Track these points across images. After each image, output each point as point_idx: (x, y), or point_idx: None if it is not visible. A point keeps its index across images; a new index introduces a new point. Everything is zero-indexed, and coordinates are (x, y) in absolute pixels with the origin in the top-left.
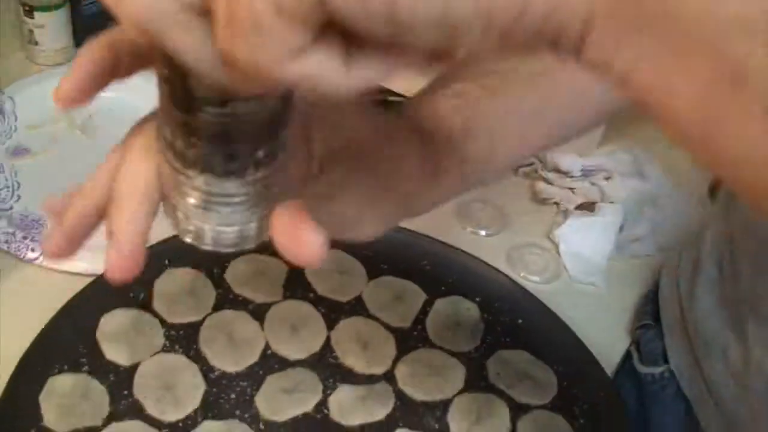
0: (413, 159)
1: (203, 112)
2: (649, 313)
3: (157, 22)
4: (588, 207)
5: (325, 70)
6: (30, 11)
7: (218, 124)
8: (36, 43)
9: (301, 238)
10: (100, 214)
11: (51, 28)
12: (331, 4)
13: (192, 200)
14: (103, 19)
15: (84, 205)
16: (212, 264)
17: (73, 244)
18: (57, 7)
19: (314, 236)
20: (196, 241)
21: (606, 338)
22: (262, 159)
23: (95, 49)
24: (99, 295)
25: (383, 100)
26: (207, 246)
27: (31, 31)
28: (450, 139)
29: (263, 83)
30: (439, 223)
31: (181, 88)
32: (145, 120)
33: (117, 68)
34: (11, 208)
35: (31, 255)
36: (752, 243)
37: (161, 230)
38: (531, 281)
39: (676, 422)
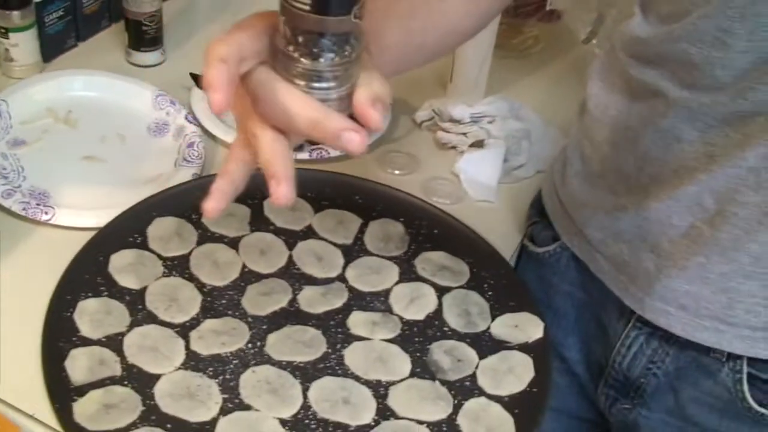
0: None
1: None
2: (535, 213)
3: None
4: (478, 144)
5: None
6: (5, 33)
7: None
8: (11, 60)
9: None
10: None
11: (23, 46)
12: None
13: (301, 83)
14: (64, 37)
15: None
16: (191, 212)
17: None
18: (27, 28)
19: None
20: None
21: (503, 237)
22: (342, 51)
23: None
24: (105, 242)
25: None
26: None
27: (7, 50)
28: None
29: None
30: (366, 169)
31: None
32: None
33: None
34: (20, 186)
35: (45, 217)
36: (604, 132)
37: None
38: (442, 204)
39: (572, 285)
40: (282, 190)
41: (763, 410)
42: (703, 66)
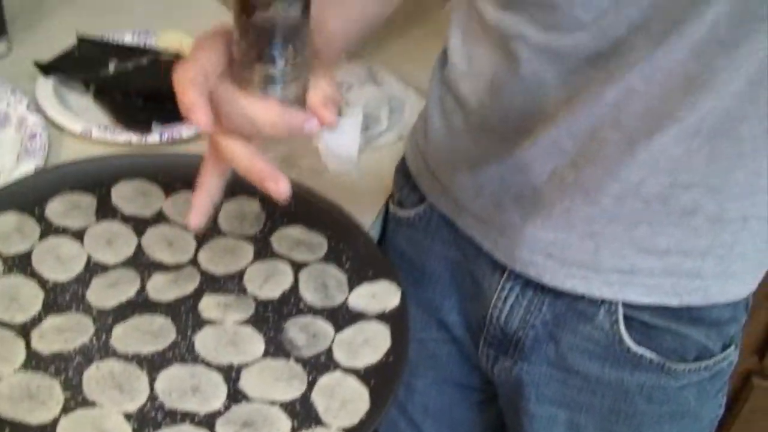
0: None
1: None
2: (401, 177)
3: None
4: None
5: None
6: None
7: (265, 25)
8: None
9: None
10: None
11: None
12: None
13: (258, 83)
14: None
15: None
16: (33, 205)
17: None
18: None
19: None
20: None
21: (366, 207)
22: (292, 53)
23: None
24: None
25: None
26: None
27: None
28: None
29: None
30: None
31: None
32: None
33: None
34: None
35: None
36: (468, 84)
37: None
38: (301, 178)
39: (444, 245)
40: (282, 186)
41: (641, 350)
42: (563, 6)
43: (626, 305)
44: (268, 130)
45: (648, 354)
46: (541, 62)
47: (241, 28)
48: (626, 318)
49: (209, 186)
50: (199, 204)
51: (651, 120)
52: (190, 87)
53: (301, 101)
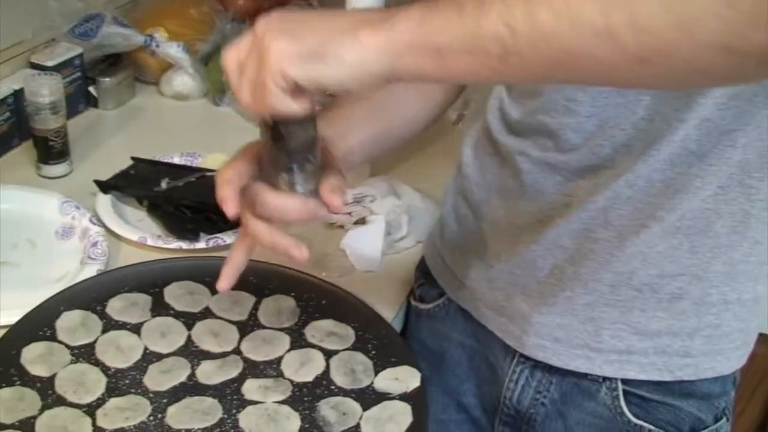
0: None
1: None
2: (421, 274)
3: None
4: (361, 222)
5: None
6: None
7: (287, 147)
8: None
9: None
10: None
11: None
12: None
13: (285, 187)
14: None
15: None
16: (96, 304)
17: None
18: None
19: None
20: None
21: (389, 302)
22: (309, 164)
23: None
24: (17, 337)
25: None
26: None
27: None
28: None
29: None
30: (258, 252)
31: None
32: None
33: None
34: None
35: None
36: (479, 192)
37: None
38: (331, 277)
39: (462, 334)
40: (301, 252)
41: (640, 422)
42: (557, 131)
43: (625, 382)
44: (293, 217)
45: (647, 426)
46: (541, 174)
47: (269, 150)
48: (626, 393)
49: (238, 260)
50: (229, 274)
51: (637, 220)
52: (225, 185)
53: (315, 194)
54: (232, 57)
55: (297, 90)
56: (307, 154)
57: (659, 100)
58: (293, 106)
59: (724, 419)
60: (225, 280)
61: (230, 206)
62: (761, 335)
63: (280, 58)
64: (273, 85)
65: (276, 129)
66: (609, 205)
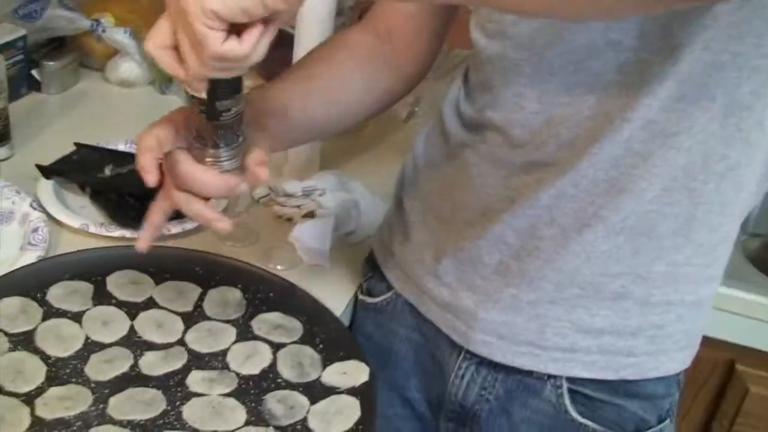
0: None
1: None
2: (369, 268)
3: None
4: (310, 215)
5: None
6: None
7: (218, 122)
8: None
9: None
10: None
11: None
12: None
13: (208, 161)
14: None
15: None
16: (36, 291)
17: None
18: None
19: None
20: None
21: (337, 295)
22: (235, 141)
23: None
24: None
25: None
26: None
27: None
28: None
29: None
30: (205, 243)
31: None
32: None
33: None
34: None
35: None
36: (427, 184)
37: None
38: (279, 270)
39: (408, 328)
40: (223, 225)
41: (585, 421)
42: (505, 127)
43: (569, 380)
44: (213, 193)
45: (591, 425)
46: (486, 168)
47: (199, 124)
48: (570, 391)
49: (156, 222)
50: (147, 235)
51: (580, 219)
52: (146, 152)
53: (238, 171)
54: (155, 42)
55: (232, 31)
56: (236, 131)
57: (604, 99)
58: (234, 47)
59: (668, 420)
60: (143, 242)
61: (150, 176)
62: (705, 338)
63: None
64: (204, 29)
65: (208, 102)
66: (553, 202)
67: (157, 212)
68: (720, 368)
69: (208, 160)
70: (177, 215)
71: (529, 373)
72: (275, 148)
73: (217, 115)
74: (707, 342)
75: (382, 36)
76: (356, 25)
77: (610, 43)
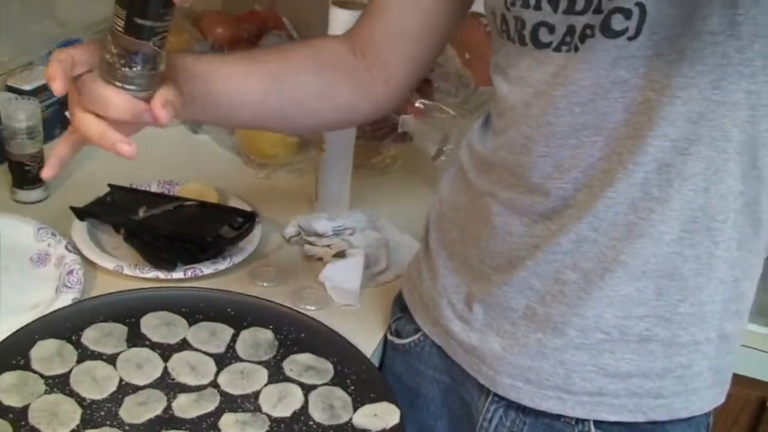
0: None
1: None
2: (398, 309)
3: None
4: (340, 255)
5: None
6: None
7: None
8: None
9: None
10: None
11: None
12: None
13: (118, 83)
14: None
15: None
16: (71, 333)
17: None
18: None
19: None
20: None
21: (367, 336)
22: (150, 67)
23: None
24: None
25: None
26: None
27: None
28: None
29: None
30: (238, 284)
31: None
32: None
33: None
34: None
35: None
36: (454, 231)
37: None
38: (309, 310)
39: (436, 370)
40: (128, 148)
41: None
42: (516, 170)
43: (597, 423)
44: (116, 113)
45: None
46: (508, 216)
47: (120, 40)
48: None
49: (62, 153)
50: (53, 164)
51: (602, 263)
52: (54, 63)
53: (146, 100)
54: None
55: None
56: (153, 58)
57: (614, 141)
58: None
59: None
60: (48, 169)
61: (57, 84)
62: (735, 376)
63: None
64: None
65: (131, 20)
66: (574, 248)
67: (64, 144)
68: (751, 406)
69: (118, 83)
70: (210, 256)
71: (557, 417)
72: (184, 114)
73: (137, 31)
74: (738, 380)
75: (356, 50)
76: (338, 35)
77: (616, 82)
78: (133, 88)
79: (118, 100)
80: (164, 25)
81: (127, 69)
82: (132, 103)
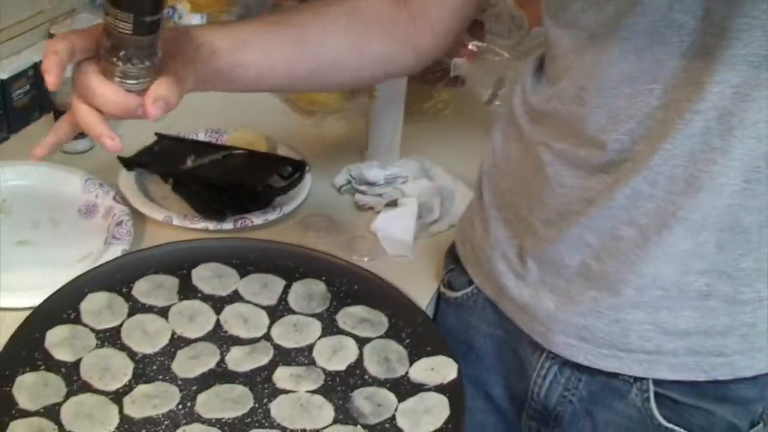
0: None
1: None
2: (451, 260)
3: None
4: (392, 204)
5: None
6: None
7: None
8: None
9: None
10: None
11: None
12: None
13: (117, 78)
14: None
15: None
16: (121, 285)
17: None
18: None
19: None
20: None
21: (421, 288)
22: (147, 61)
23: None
24: (41, 319)
25: None
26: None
27: None
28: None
29: None
30: (289, 234)
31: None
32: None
33: None
34: None
35: None
36: (505, 180)
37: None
38: (361, 261)
39: (490, 324)
40: (111, 143)
41: (671, 425)
42: (569, 121)
43: (656, 382)
44: (109, 108)
45: (678, 429)
46: (561, 167)
47: (114, 35)
48: (657, 395)
49: (61, 132)
50: (50, 142)
51: (659, 218)
52: (50, 55)
53: (142, 93)
54: None
55: None
56: (150, 51)
57: (671, 89)
58: None
59: (761, 425)
60: (40, 148)
61: (52, 79)
62: None
63: None
64: None
65: (139, 20)
66: (629, 203)
67: (64, 124)
68: None
69: (116, 78)
70: (260, 206)
71: (614, 375)
72: (198, 86)
73: (146, 28)
74: None
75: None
76: None
77: (671, 26)
78: (132, 82)
79: (112, 95)
80: (158, 20)
81: (129, 65)
82: (125, 101)
